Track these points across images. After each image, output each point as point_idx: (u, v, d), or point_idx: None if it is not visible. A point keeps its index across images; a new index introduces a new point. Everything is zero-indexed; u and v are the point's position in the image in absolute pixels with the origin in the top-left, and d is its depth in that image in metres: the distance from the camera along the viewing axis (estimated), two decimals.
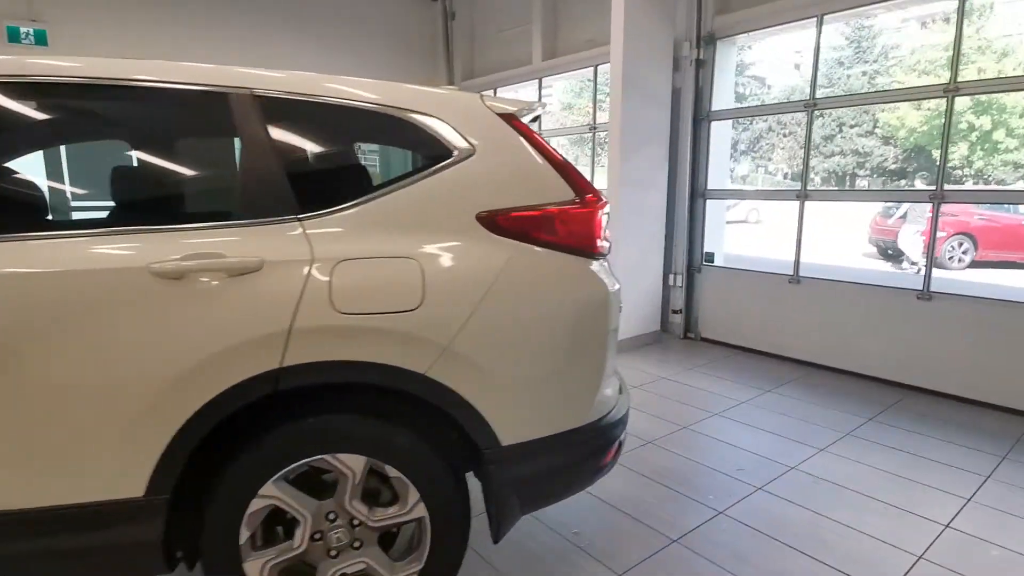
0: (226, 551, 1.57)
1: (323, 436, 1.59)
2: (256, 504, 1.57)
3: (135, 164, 1.81)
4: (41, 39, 5.64)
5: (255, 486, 1.57)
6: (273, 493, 1.58)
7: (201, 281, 1.45)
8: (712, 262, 5.24)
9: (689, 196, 5.23)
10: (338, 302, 1.51)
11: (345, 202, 1.62)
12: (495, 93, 7.77)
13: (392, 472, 1.64)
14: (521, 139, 1.77)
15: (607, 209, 1.87)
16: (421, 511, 1.68)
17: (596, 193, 1.80)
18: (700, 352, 4.94)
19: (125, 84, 1.53)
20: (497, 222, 1.68)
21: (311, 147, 1.73)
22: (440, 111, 1.73)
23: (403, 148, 1.85)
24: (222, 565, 1.57)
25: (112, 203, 1.75)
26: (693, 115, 5.15)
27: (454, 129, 1.72)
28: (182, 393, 1.43)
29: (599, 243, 1.79)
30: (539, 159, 1.76)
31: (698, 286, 5.32)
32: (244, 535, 1.58)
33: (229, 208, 1.63)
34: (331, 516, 1.65)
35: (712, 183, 5.23)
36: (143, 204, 1.74)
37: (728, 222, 6.16)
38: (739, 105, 5.39)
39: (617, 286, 1.88)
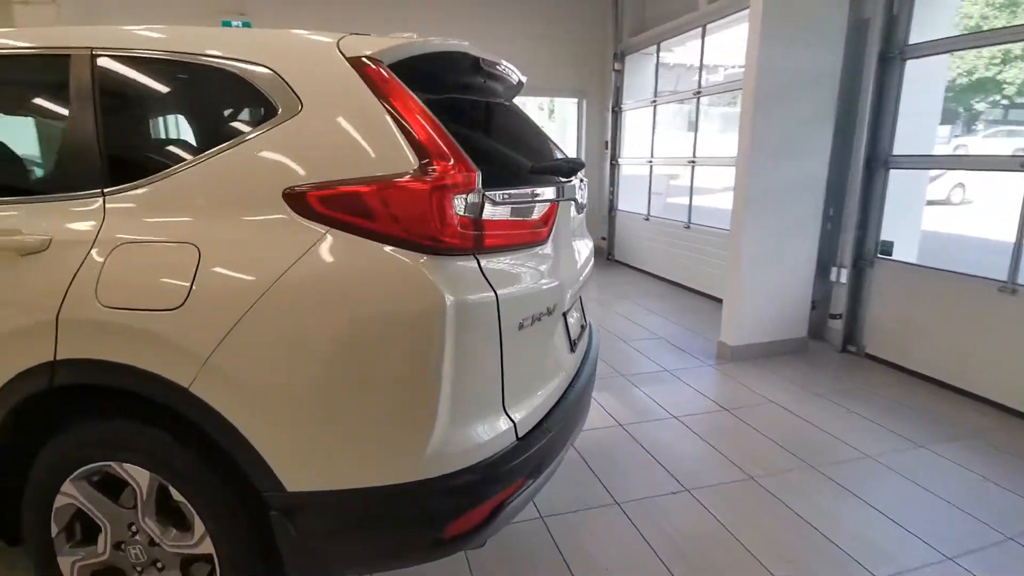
0: (39, 542, 1.55)
1: (104, 441, 1.45)
2: (60, 500, 1.50)
3: None
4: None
5: (57, 482, 1.49)
6: (72, 492, 1.49)
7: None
8: (889, 255, 3.88)
9: (865, 164, 3.92)
10: (103, 293, 1.32)
11: (150, 173, 1.39)
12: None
13: (177, 496, 1.41)
14: (370, 92, 1.32)
15: (480, 187, 1.32)
16: (208, 548, 1.42)
17: (451, 164, 1.27)
18: (855, 372, 3.72)
19: None
20: (307, 201, 1.28)
21: (135, 110, 1.53)
22: (272, 59, 1.38)
23: (230, 107, 1.52)
24: (37, 555, 1.58)
25: None
26: (880, 52, 3.79)
27: (285, 81, 1.35)
28: None
29: (442, 231, 1.26)
30: (387, 119, 1.29)
31: (867, 285, 4.00)
32: (54, 529, 1.53)
33: (50, 180, 1.52)
34: (133, 528, 1.49)
35: (900, 147, 3.82)
36: None
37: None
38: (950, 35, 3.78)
39: (487, 295, 1.33)
